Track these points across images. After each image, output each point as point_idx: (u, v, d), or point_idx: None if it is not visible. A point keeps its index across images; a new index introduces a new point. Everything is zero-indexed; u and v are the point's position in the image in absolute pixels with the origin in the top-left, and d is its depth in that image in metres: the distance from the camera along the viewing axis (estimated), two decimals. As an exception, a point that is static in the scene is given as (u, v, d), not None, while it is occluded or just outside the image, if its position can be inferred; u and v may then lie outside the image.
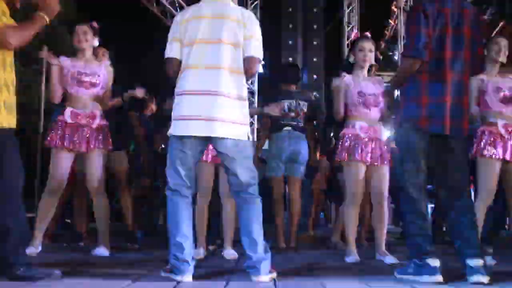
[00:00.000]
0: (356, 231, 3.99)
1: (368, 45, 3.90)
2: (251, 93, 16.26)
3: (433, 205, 6.01)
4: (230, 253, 3.80)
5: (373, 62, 3.96)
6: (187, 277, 2.60)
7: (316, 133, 5.15)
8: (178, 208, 2.70)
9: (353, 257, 3.71)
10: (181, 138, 2.70)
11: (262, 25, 2.93)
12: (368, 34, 4.09)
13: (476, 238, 2.75)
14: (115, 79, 4.02)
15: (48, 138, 3.68)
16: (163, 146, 5.55)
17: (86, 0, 13.38)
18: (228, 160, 2.73)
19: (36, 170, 5.94)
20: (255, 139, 7.57)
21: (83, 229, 4.69)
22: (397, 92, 3.16)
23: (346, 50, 15.56)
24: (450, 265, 3.35)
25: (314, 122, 4.92)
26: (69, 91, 3.75)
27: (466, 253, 2.70)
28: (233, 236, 3.92)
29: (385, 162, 3.77)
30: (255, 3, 15.33)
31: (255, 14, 14.53)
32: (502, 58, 3.68)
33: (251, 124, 3.03)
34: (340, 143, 3.82)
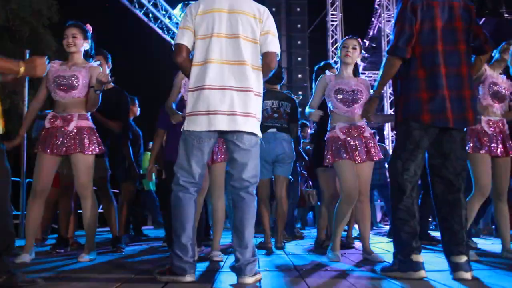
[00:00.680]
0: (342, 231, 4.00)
1: (352, 43, 3.92)
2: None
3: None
4: (218, 254, 3.79)
5: (358, 60, 3.99)
6: (191, 277, 2.62)
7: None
8: (185, 206, 2.68)
9: (335, 254, 3.71)
10: (201, 133, 2.67)
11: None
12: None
13: (463, 235, 2.76)
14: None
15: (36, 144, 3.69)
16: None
17: (69, 3, 13.33)
18: (241, 152, 2.72)
19: (21, 175, 5.91)
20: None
21: (69, 235, 4.66)
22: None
23: (330, 48, 15.68)
24: (434, 261, 3.40)
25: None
26: (52, 95, 3.74)
27: (451, 249, 2.74)
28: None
29: (372, 158, 3.77)
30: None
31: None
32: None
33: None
34: (326, 147, 3.83)
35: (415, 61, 2.82)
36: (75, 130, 3.68)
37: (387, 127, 19.31)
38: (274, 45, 2.77)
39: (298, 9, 44.49)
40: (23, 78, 3.83)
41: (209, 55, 2.68)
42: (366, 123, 3.80)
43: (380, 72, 2.99)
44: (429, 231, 5.34)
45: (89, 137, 3.72)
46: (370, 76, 18.92)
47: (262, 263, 3.45)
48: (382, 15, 16.05)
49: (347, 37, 4.01)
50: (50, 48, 13.90)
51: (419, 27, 2.80)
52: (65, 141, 3.65)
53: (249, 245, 2.67)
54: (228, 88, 2.65)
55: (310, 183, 8.07)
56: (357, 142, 3.74)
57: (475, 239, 5.02)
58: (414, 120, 2.80)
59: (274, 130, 4.64)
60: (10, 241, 2.58)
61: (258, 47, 2.76)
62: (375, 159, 3.79)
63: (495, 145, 3.71)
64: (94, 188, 3.90)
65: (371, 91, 3.63)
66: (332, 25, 16.52)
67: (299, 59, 43.72)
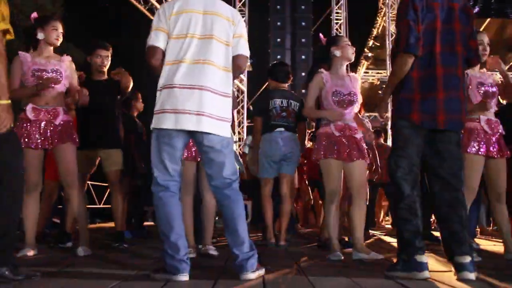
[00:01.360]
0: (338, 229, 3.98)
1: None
2: (240, 91, 16.28)
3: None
4: (212, 249, 3.79)
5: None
6: (185, 276, 2.59)
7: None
8: (169, 205, 2.66)
9: (337, 254, 3.67)
10: (169, 131, 2.66)
11: (251, 23, 2.96)
12: None
13: (464, 234, 2.74)
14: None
15: None
16: None
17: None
18: (215, 153, 2.71)
19: None
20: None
21: (72, 229, 4.66)
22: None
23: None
24: (437, 261, 3.38)
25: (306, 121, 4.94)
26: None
27: (454, 249, 2.71)
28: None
29: (363, 157, 3.75)
30: (243, 0, 15.31)
31: (244, 11, 14.61)
32: (485, 55, 3.72)
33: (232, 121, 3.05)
34: (317, 142, 3.82)
35: (413, 61, 2.81)
36: (61, 123, 3.69)
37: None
38: (246, 49, 2.85)
39: (303, 7, 44.49)
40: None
41: (182, 55, 2.68)
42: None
43: (392, 70, 2.97)
44: (431, 231, 5.30)
45: (70, 129, 3.76)
46: (374, 75, 18.90)
47: (265, 261, 3.44)
48: (387, 14, 15.98)
49: (341, 35, 4.02)
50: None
51: (420, 28, 2.78)
52: (50, 134, 3.65)
53: (245, 240, 2.67)
54: (198, 87, 2.64)
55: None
56: (349, 142, 3.72)
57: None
58: (405, 119, 2.83)
59: (282, 129, 4.65)
60: (16, 235, 2.59)
61: (230, 49, 2.79)
62: (367, 160, 3.79)
63: (493, 146, 3.67)
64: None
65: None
66: (337, 23, 16.44)
67: (303, 57, 43.72)
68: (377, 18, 18.12)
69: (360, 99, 3.86)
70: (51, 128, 3.66)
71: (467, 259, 2.66)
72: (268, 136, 4.67)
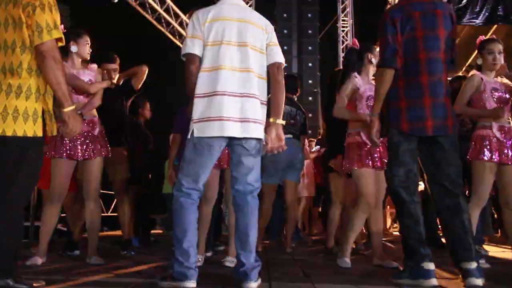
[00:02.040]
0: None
1: None
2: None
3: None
4: (231, 260, 3.74)
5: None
6: (192, 283, 2.59)
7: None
8: (186, 212, 2.66)
9: (346, 261, 3.66)
10: (210, 140, 2.66)
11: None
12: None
13: (468, 240, 2.73)
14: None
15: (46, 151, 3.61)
16: None
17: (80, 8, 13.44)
18: (247, 157, 2.73)
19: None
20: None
21: (80, 238, 4.67)
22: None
23: (341, 54, 15.65)
24: (444, 268, 3.36)
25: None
26: None
27: (460, 255, 2.71)
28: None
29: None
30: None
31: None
32: (499, 64, 3.71)
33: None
34: (347, 153, 3.79)
35: (397, 71, 2.87)
36: (97, 134, 3.74)
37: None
38: (282, 57, 2.86)
39: (310, 15, 44.59)
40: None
41: (219, 61, 2.68)
42: None
43: (375, 85, 3.03)
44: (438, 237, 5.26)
45: (104, 140, 3.81)
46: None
47: (271, 268, 3.43)
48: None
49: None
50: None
51: (400, 39, 2.85)
52: (86, 146, 3.68)
53: (253, 249, 2.68)
54: (239, 95, 2.66)
55: None
56: (378, 149, 3.70)
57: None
58: (395, 127, 2.88)
59: (290, 136, 4.65)
60: (21, 244, 2.59)
61: (264, 58, 2.81)
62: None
63: (506, 152, 3.64)
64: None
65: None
66: (343, 31, 16.47)
67: (310, 64, 43.77)
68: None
69: None
70: (89, 139, 3.70)
71: (473, 264, 2.65)
72: None
